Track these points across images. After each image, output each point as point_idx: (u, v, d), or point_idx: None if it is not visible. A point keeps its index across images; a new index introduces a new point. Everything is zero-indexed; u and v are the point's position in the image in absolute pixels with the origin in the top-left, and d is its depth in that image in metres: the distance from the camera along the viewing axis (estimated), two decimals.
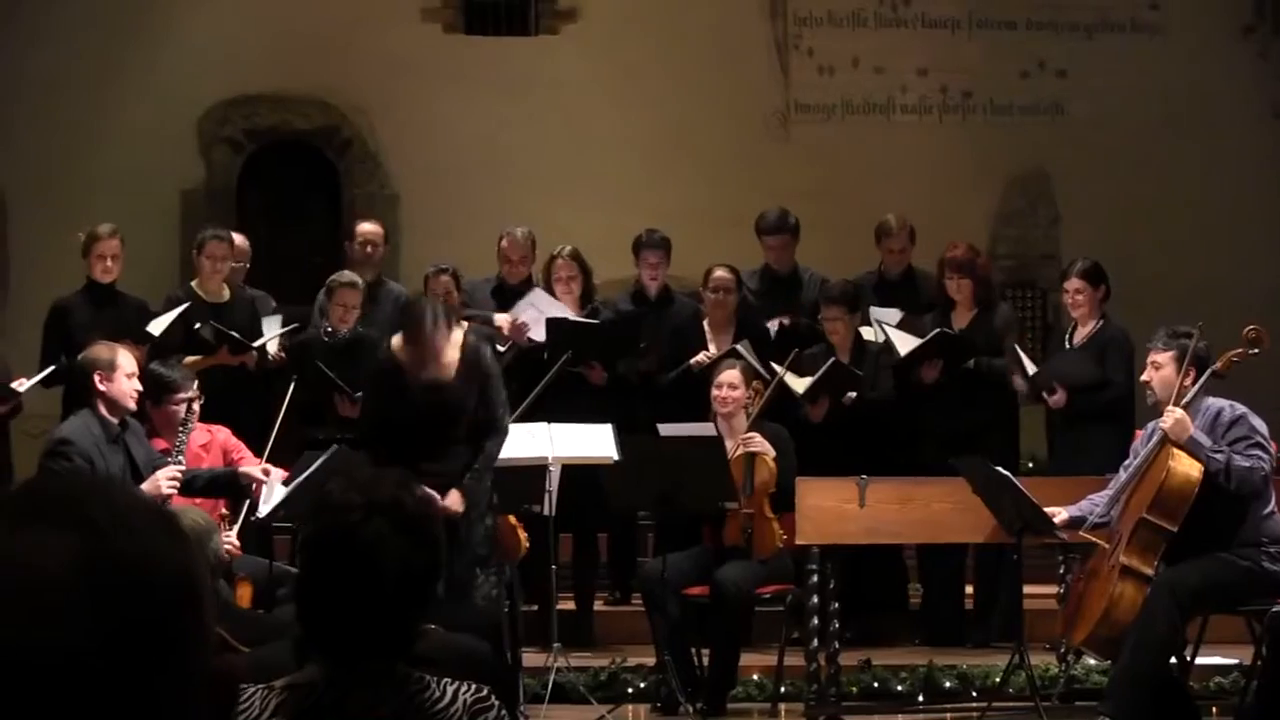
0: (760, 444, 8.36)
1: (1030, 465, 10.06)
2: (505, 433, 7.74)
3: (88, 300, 9.42)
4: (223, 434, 8.29)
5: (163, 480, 7.33)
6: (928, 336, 9.36)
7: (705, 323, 9.87)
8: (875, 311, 9.73)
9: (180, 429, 7.69)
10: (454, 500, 7.48)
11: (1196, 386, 7.31)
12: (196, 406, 7.91)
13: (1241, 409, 7.32)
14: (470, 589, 7.53)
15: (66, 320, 9.36)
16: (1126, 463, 7.50)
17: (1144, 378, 7.51)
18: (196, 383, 8.07)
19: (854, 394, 9.47)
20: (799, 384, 9.28)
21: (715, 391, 8.62)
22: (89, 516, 1.29)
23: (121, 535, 1.29)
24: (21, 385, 9.06)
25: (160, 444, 7.79)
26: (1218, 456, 7.15)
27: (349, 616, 2.81)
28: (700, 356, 9.58)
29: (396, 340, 7.74)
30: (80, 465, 7.24)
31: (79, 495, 1.32)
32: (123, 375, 7.46)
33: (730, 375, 8.63)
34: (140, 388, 7.58)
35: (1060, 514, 7.56)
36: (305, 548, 2.87)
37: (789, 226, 10.19)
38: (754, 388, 8.68)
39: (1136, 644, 7.07)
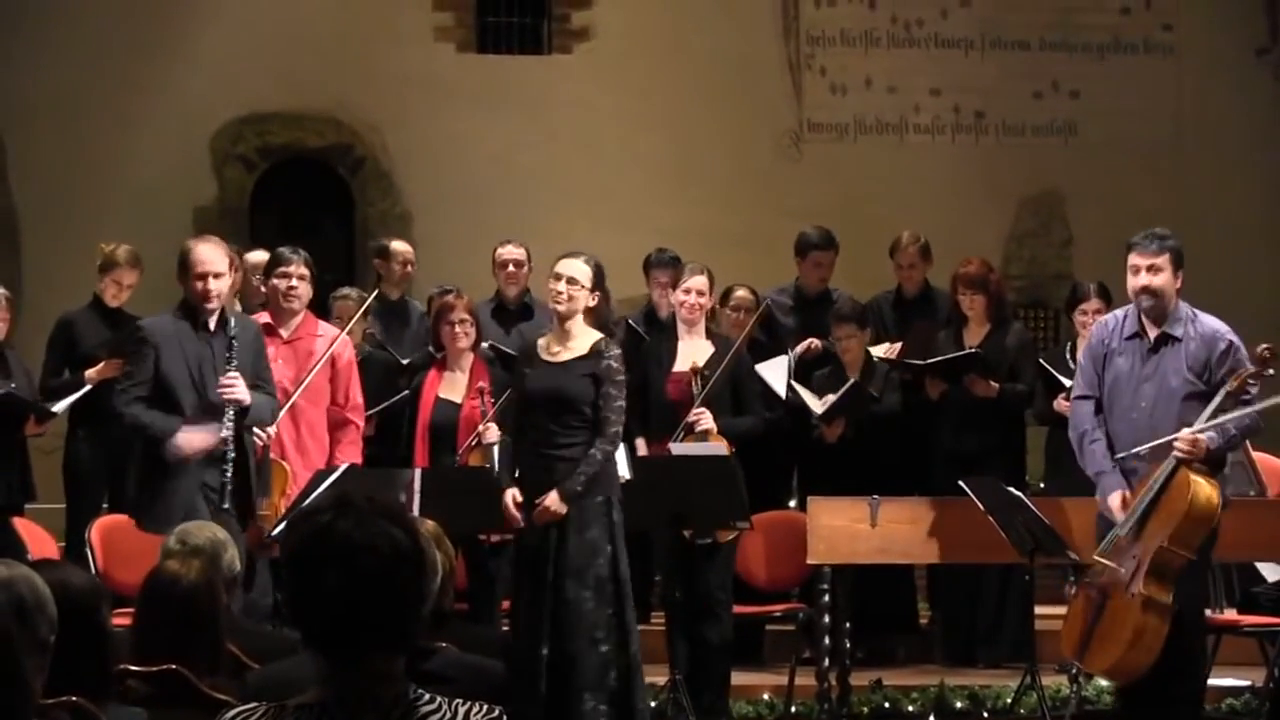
0: (708, 421, 8.47)
1: (1042, 485, 10.02)
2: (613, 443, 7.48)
3: (96, 316, 9.40)
4: (346, 354, 8.50)
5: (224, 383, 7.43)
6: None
7: None
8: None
9: (232, 337, 7.58)
10: (552, 500, 7.32)
11: (1211, 408, 7.18)
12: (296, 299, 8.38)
13: (1233, 337, 7.24)
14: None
15: (72, 333, 9.34)
16: (1136, 450, 7.27)
17: (1141, 283, 7.25)
18: (305, 272, 8.55)
19: None
20: (816, 404, 9.26)
21: (683, 297, 8.82)
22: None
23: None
24: (58, 406, 9.05)
25: (263, 317, 8.33)
26: (1232, 435, 7.09)
27: (340, 611, 2.79)
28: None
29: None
30: (147, 352, 7.52)
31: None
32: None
33: (697, 282, 8.83)
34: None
35: (1114, 498, 7.19)
36: (286, 562, 2.86)
37: (835, 243, 10.12)
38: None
39: (1188, 683, 6.98)
